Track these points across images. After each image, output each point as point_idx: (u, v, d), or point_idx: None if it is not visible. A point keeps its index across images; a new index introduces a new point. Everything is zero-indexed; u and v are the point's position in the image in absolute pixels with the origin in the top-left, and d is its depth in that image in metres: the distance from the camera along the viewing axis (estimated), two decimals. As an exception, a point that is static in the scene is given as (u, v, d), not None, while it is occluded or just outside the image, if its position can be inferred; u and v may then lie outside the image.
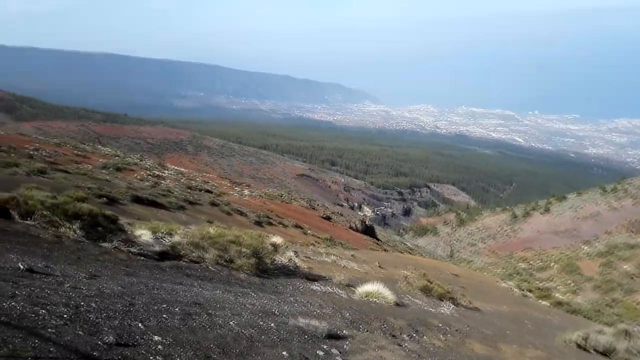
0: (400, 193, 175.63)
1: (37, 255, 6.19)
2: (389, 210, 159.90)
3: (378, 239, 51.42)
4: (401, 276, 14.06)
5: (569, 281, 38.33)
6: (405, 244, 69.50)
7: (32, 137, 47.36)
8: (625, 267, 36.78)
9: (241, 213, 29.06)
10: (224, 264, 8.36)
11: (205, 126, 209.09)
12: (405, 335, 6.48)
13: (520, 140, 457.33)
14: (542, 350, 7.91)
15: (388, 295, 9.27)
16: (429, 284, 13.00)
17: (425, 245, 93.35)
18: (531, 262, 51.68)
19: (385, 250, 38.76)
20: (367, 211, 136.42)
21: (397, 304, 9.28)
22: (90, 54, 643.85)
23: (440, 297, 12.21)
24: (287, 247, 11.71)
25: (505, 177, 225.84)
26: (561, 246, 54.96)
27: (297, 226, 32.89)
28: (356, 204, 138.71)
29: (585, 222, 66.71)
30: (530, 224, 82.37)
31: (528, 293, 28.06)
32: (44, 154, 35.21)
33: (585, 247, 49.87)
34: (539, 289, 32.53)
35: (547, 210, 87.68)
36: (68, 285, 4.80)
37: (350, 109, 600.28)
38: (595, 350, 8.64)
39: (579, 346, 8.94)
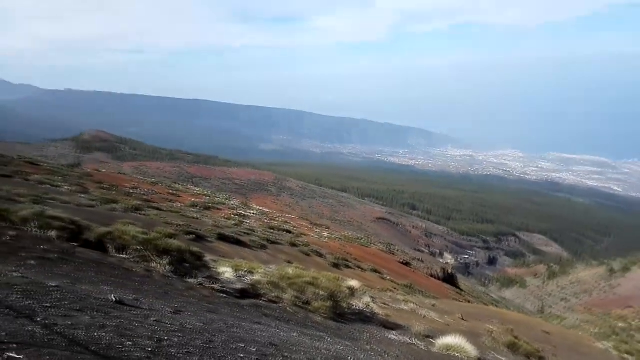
0: (485, 241, 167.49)
1: (128, 288, 6.56)
2: (473, 258, 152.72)
3: (460, 289, 49.11)
4: (485, 330, 13.22)
5: (682, 346, 33.95)
6: (490, 296, 65.73)
7: (131, 176, 51.24)
8: None
9: (319, 255, 29.14)
10: (301, 305, 8.35)
11: (288, 168, 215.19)
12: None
13: (618, 189, 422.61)
14: None
15: (470, 350, 8.72)
16: (516, 340, 12.10)
17: (513, 298, 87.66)
18: (631, 322, 46.61)
19: (468, 301, 36.87)
20: (449, 259, 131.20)
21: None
22: (185, 100, 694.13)
23: (528, 356, 11.30)
24: (364, 291, 11.51)
25: (601, 228, 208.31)
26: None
27: (375, 271, 32.34)
28: (437, 251, 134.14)
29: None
30: (630, 279, 74.89)
31: (629, 357, 25.17)
32: (141, 192, 37.88)
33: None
34: (642, 351, 29.06)
35: (651, 266, 79.48)
36: (154, 319, 5.01)
37: (433, 153, 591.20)
38: None
39: None
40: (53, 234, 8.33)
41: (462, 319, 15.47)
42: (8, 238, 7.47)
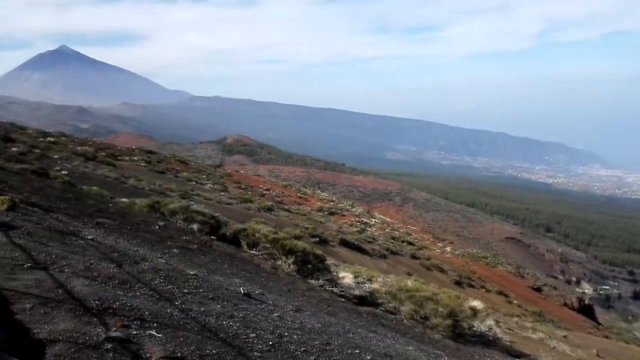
0: (631, 272, 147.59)
1: (256, 283, 7.00)
2: (615, 290, 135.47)
3: (598, 322, 44.02)
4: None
5: None
6: (634, 334, 57.90)
7: (265, 178, 54.45)
8: None
9: (441, 270, 28.24)
10: (419, 319, 8.18)
11: (413, 179, 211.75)
12: None
13: None
14: None
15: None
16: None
17: (667, 341, 76.19)
18: None
19: (606, 336, 32.94)
20: (587, 288, 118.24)
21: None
22: (318, 109, 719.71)
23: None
24: (487, 313, 10.89)
25: None
26: None
27: (501, 293, 30.43)
28: (574, 279, 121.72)
29: None
30: None
31: None
32: (273, 193, 40.12)
33: None
34: None
35: None
36: (276, 314, 5.28)
37: (574, 172, 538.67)
38: None
39: None
40: (195, 226, 9.21)
41: (598, 355, 13.91)
42: (157, 227, 8.42)
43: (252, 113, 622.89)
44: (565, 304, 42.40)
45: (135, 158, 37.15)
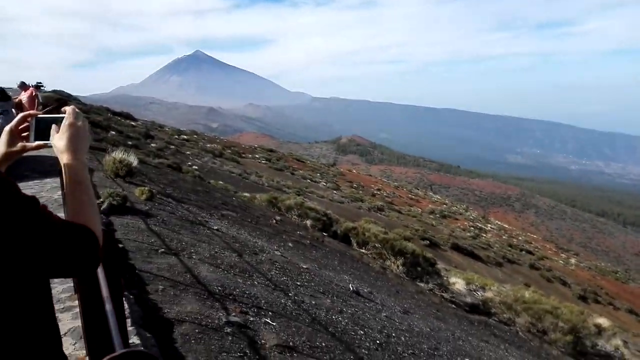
0: None
1: (365, 281, 7.10)
2: None
3: None
4: None
5: None
6: None
7: (377, 178, 54.48)
8: None
9: (564, 283, 26.08)
10: (536, 333, 7.69)
11: (536, 185, 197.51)
12: None
13: None
14: None
15: None
16: None
17: None
18: None
19: None
20: None
21: None
22: (434, 109, 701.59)
23: None
24: (614, 332, 9.89)
25: None
26: None
27: (631, 312, 27.28)
28: None
29: None
30: None
31: None
32: (384, 194, 40.00)
33: None
34: None
35: None
36: (385, 314, 5.32)
37: None
38: None
39: None
40: (308, 222, 9.56)
41: None
42: (274, 222, 8.88)
43: (367, 113, 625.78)
44: None
45: (257, 156, 39.32)
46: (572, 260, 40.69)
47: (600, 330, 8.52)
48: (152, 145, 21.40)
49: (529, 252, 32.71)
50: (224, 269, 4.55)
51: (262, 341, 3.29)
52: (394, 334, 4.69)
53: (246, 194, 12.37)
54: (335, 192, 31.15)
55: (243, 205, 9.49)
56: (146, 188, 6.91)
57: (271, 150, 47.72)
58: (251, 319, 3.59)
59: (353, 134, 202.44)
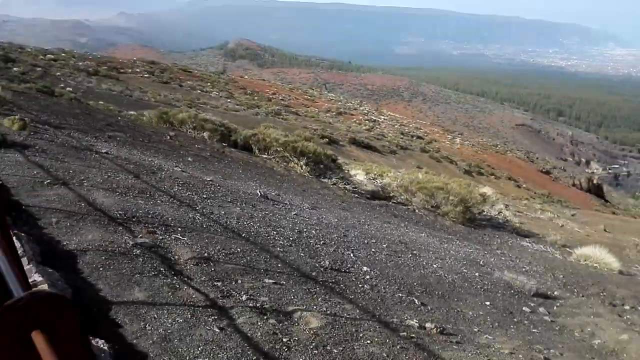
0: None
1: (271, 185, 7.20)
2: (624, 169, 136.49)
3: (606, 200, 44.98)
4: (631, 243, 12.19)
5: None
6: (644, 210, 59.32)
7: (271, 82, 53.48)
8: None
9: (451, 161, 28.53)
10: (430, 209, 8.45)
11: (423, 73, 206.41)
12: (627, 307, 5.69)
13: None
14: None
15: (611, 261, 8.14)
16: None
17: (673, 214, 78.13)
18: None
19: (614, 213, 33.81)
20: (596, 169, 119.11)
21: (621, 273, 8.12)
22: (321, 6, 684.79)
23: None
24: (497, 199, 11.17)
25: None
26: None
27: (510, 178, 30.93)
28: (583, 160, 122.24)
29: None
30: None
31: None
32: (280, 97, 39.64)
33: None
34: None
35: None
36: (294, 213, 5.49)
37: (589, 53, 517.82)
38: None
39: None
40: (205, 134, 9.28)
41: (605, 231, 14.40)
42: (169, 137, 8.50)
43: (252, 14, 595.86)
44: (574, 185, 43.11)
45: (137, 70, 36.50)
46: (458, 140, 44.26)
47: (485, 198, 9.55)
48: (15, 69, 19.01)
49: (419, 138, 34.92)
50: (121, 193, 4.34)
51: (176, 257, 3.26)
52: (305, 230, 4.88)
53: (132, 113, 11.61)
54: (229, 100, 30.28)
55: (131, 125, 8.93)
56: (16, 117, 6.19)
57: (153, 63, 44.52)
58: (160, 237, 3.52)
59: (241, 38, 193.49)
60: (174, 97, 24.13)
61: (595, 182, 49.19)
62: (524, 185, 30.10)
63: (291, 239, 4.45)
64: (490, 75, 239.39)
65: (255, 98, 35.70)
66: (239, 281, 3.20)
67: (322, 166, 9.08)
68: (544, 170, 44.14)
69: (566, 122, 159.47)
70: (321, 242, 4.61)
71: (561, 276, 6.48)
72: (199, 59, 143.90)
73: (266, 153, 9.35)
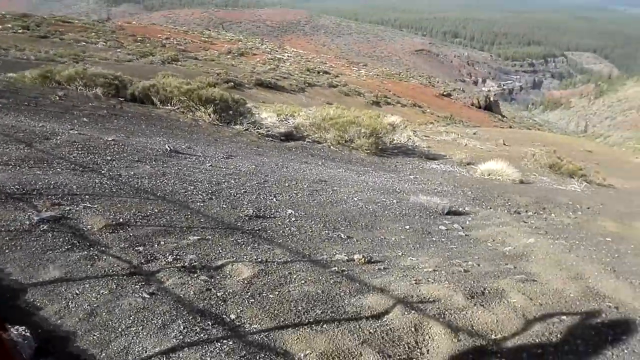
0: (531, 64, 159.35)
1: (179, 138, 6.88)
2: (517, 83, 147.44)
3: (503, 115, 48.55)
4: (527, 154, 13.33)
5: None
6: (534, 120, 64.94)
7: (162, 26, 50.02)
8: None
9: (359, 94, 29.00)
10: (345, 143, 8.59)
11: (321, 4, 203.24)
12: (530, 213, 6.29)
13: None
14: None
15: (512, 172, 8.91)
16: (558, 160, 12.23)
17: (557, 120, 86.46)
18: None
19: (510, 127, 36.66)
20: (492, 86, 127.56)
21: (522, 182, 8.92)
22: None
23: (571, 175, 11.47)
24: (405, 126, 11.61)
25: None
26: None
27: (415, 105, 32.17)
28: (480, 79, 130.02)
29: None
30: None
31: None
32: (175, 42, 37.34)
33: None
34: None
35: None
36: (209, 164, 5.32)
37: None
38: None
39: None
40: (99, 90, 8.57)
41: (504, 145, 15.59)
42: (58, 98, 7.76)
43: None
44: (472, 104, 45.80)
45: (8, 25, 32.43)
46: (363, 72, 44.82)
47: (394, 127, 9.86)
48: None
49: (326, 73, 34.90)
50: (14, 165, 3.94)
51: (89, 227, 3.07)
52: (223, 180, 4.77)
53: (12, 75, 10.40)
54: (119, 50, 28.09)
55: (11, 89, 8.01)
56: None
57: (25, 16, 39.73)
58: (67, 208, 3.27)
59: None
60: (57, 52, 21.91)
61: (491, 99, 52.62)
62: (428, 110, 31.46)
63: (210, 191, 4.33)
64: (387, 2, 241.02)
65: (148, 45, 33.35)
66: (162, 242, 3.09)
67: (231, 112, 8.81)
68: (444, 93, 46.25)
69: (462, 43, 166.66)
70: (242, 191, 4.53)
71: (469, 192, 6.96)
72: (78, 7, 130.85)
73: (169, 104, 8.87)
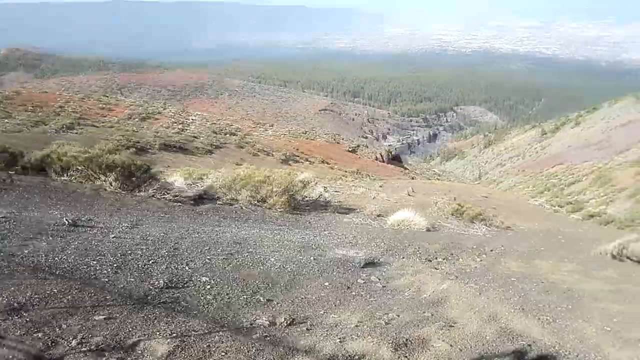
0: (425, 119, 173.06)
1: (79, 209, 6.43)
2: (415, 137, 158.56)
3: (405, 167, 51.34)
4: (431, 202, 14.12)
5: (601, 193, 37.48)
6: (433, 170, 69.31)
7: (56, 93, 47.76)
8: (661, 174, 35.61)
9: (267, 153, 29.30)
10: (257, 203, 8.53)
11: (224, 67, 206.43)
12: (440, 259, 6.59)
13: (550, 52, 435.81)
14: (577, 263, 7.96)
15: (420, 221, 9.35)
16: (460, 207, 13.06)
17: (453, 169, 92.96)
18: (561, 178, 50.66)
19: (413, 178, 38.78)
20: (393, 141, 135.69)
21: (429, 230, 9.38)
22: (103, 2, 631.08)
23: (472, 220, 12.27)
24: (316, 182, 11.83)
25: (534, 93, 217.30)
26: (593, 159, 53.47)
27: (323, 162, 33.06)
28: (381, 135, 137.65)
29: (617, 132, 64.63)
30: (560, 139, 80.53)
31: (559, 208, 27.94)
32: (71, 109, 35.68)
33: (618, 158, 48.36)
34: (570, 203, 32.17)
35: (577, 123, 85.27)
36: (113, 235, 5.00)
37: (373, 35, 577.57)
38: (631, 259, 8.60)
39: (614, 256, 8.91)
40: (-16, 165, 7.86)
41: (410, 195, 16.38)
42: None
43: (20, 18, 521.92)
44: (377, 158, 48.02)
45: None
46: (270, 132, 45.55)
47: (305, 184, 9.98)
48: None
49: (233, 134, 34.99)
50: None
51: (-26, 318, 2.71)
52: (129, 251, 4.49)
53: None
54: (7, 121, 26.23)
55: None
56: None
57: None
58: (-53, 299, 2.88)
59: (10, 47, 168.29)
60: None
61: (393, 153, 55.67)
62: (337, 166, 32.44)
63: (115, 265, 4.05)
64: (289, 64, 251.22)
65: (40, 114, 31.52)
66: (65, 325, 2.81)
67: (135, 178, 8.43)
68: (350, 149, 48.12)
69: (361, 102, 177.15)
70: (151, 261, 4.29)
71: (383, 243, 7.16)
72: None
73: (66, 174, 8.32)
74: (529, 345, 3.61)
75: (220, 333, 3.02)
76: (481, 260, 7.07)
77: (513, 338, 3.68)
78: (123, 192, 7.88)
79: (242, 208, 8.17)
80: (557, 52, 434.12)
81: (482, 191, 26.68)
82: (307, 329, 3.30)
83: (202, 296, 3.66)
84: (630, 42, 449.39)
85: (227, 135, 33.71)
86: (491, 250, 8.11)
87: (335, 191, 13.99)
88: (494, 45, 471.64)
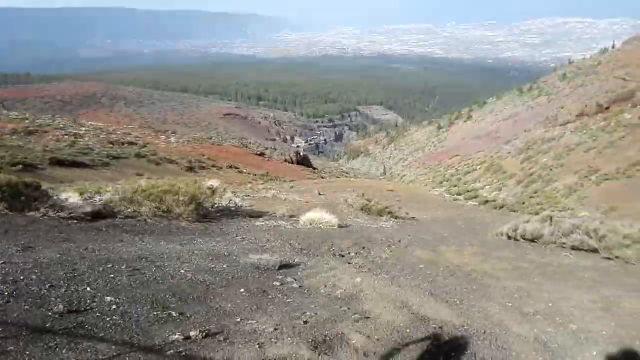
0: (330, 120, 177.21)
1: (-43, 237, 5.75)
2: (322, 138, 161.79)
3: (314, 168, 52.10)
4: (341, 200, 14.44)
5: (494, 180, 40.74)
6: (341, 169, 70.98)
7: None
8: (544, 160, 39.26)
9: (171, 161, 28.27)
10: (162, 214, 8.17)
11: (117, 75, 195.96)
12: (353, 253, 6.75)
13: (441, 52, 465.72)
14: (477, 246, 8.54)
15: (331, 219, 9.52)
16: (367, 202, 13.49)
17: (360, 166, 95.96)
18: (458, 168, 54.31)
19: (322, 177, 39.44)
20: (300, 142, 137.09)
21: (340, 226, 9.58)
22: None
23: (380, 213, 12.74)
24: (225, 188, 11.60)
25: (428, 91, 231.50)
26: (485, 149, 57.84)
27: (231, 167, 32.57)
28: (288, 137, 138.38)
29: (505, 123, 70.56)
30: (455, 132, 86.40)
31: (458, 196, 29.93)
32: (-60, 126, 31.89)
33: (507, 147, 52.73)
34: (467, 191, 34.60)
35: (469, 117, 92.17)
36: (1, 261, 4.53)
37: (272, 40, 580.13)
38: (523, 238, 9.41)
39: (509, 237, 9.71)
40: None
41: (320, 194, 16.63)
42: None
43: None
44: (285, 160, 48.25)
45: None
46: (172, 139, 43.97)
47: (213, 190, 9.73)
48: None
49: (132, 143, 33.33)
50: None
51: None
52: (22, 277, 4.08)
53: None
54: None
55: None
56: None
57: None
58: None
59: None
60: None
61: (301, 154, 56.22)
62: (245, 170, 32.11)
63: (6, 293, 3.66)
64: (188, 71, 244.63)
65: None
66: (-57, 371, 2.47)
67: (23, 198, 7.71)
68: (258, 152, 47.88)
69: (267, 105, 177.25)
70: (47, 285, 3.93)
71: (297, 244, 7.18)
72: None
73: (-60, 198, 7.40)
74: (440, 327, 3.80)
75: (131, 354, 2.84)
76: (391, 252, 7.34)
77: (425, 322, 3.85)
78: (10, 213, 7.17)
79: (146, 221, 7.78)
80: (447, 52, 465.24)
81: (388, 186, 27.81)
82: (224, 338, 3.20)
83: (107, 317, 3.41)
84: (513, 41, 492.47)
85: (125, 145, 32.07)
86: (399, 241, 8.46)
87: (246, 195, 13.82)
88: (390, 47, 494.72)
